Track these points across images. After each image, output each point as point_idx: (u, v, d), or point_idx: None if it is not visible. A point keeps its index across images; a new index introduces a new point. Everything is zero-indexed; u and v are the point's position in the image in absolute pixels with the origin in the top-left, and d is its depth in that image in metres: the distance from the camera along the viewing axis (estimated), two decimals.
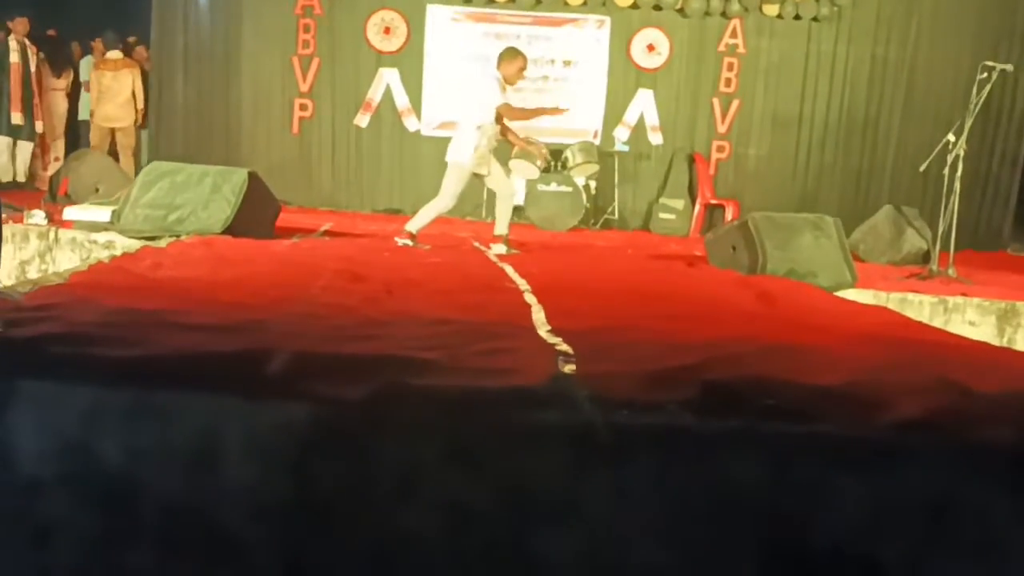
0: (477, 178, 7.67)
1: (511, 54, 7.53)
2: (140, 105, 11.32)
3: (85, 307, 3.51)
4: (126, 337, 3.07)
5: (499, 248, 7.62)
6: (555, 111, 7.88)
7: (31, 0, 10.86)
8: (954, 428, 2.88)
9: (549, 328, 3.97)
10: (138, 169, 10.78)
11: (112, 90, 11.11)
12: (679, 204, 11.66)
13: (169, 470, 2.59)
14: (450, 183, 7.55)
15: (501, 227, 7.72)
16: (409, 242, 7.55)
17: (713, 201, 11.56)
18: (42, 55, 10.90)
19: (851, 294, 6.78)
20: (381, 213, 11.47)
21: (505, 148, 10.95)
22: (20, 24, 10.58)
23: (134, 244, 6.63)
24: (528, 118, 7.87)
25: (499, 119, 7.50)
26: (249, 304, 4.00)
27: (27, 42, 10.65)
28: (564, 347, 3.54)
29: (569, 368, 3.18)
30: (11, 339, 2.96)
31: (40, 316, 3.29)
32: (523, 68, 7.50)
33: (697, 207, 11.61)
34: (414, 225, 7.65)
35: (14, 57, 10.52)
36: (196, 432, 2.70)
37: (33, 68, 10.67)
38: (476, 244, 8.18)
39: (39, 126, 10.70)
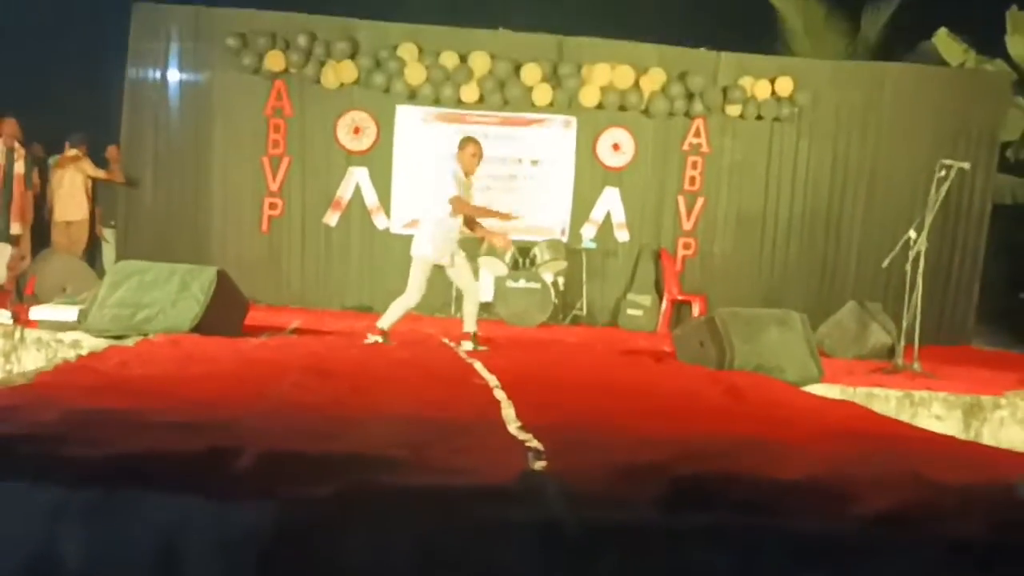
0: (439, 270, 7.72)
1: (463, 142, 7.66)
2: (91, 201, 11.35)
3: (50, 407, 3.48)
4: (91, 437, 3.04)
5: (467, 345, 7.64)
6: (506, 216, 7.91)
7: (6, 101, 10.91)
8: (924, 522, 2.89)
9: (519, 424, 3.97)
10: (93, 266, 10.77)
11: (66, 185, 11.16)
12: (646, 300, 11.74)
13: (132, 572, 2.54)
14: (414, 276, 7.59)
15: (469, 325, 7.74)
16: (380, 339, 7.55)
17: (680, 297, 11.65)
18: (29, 157, 10.89)
19: (818, 389, 6.81)
20: (351, 310, 11.46)
21: (474, 244, 11.09)
22: (8, 126, 10.61)
23: (101, 343, 6.58)
24: (477, 215, 7.83)
25: (457, 212, 7.56)
26: (215, 402, 3.98)
27: (16, 144, 10.67)
28: (534, 443, 3.54)
29: (539, 464, 3.18)
30: None
31: (4, 417, 3.26)
32: (475, 154, 7.59)
33: (664, 303, 11.70)
34: (384, 322, 7.66)
35: None
36: (160, 533, 2.66)
37: (20, 171, 10.66)
38: (444, 340, 8.18)
39: (15, 227, 10.66)
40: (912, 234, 7.94)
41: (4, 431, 3.03)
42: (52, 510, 2.67)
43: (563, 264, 11.32)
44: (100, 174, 11.48)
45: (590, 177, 11.93)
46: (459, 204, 7.48)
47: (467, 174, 7.63)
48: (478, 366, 6.22)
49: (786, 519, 2.80)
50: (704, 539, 2.72)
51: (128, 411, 3.50)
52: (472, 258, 11.17)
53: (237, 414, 3.67)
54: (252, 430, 3.38)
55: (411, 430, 3.69)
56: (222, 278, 7.17)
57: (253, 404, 3.99)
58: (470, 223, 7.84)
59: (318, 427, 3.61)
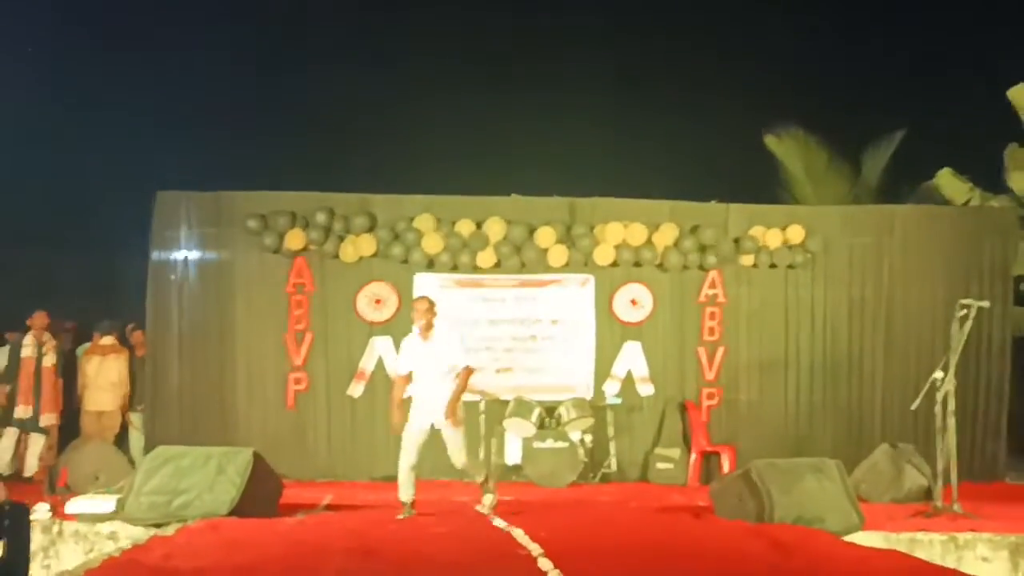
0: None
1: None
2: (126, 390, 11.45)
3: None
4: None
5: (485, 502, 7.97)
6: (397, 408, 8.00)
7: (34, 291, 11.19)
8: None
9: None
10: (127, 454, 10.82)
11: (99, 375, 11.27)
12: (675, 453, 11.66)
13: None
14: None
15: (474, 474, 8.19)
16: (409, 513, 7.63)
17: (709, 448, 11.59)
18: (58, 349, 11.06)
19: (860, 537, 6.74)
20: (380, 480, 11.40)
21: (500, 409, 11.14)
22: (39, 319, 10.85)
23: (139, 532, 6.59)
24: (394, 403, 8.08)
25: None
26: None
27: (47, 336, 10.86)
28: None
29: None
30: None
31: None
32: (418, 309, 7.93)
33: (693, 455, 11.62)
34: (402, 494, 7.79)
35: (27, 352, 10.72)
36: None
37: (50, 363, 10.82)
38: (478, 508, 8.14)
39: (46, 418, 10.75)
40: (938, 375, 7.96)
41: None
42: None
43: (590, 421, 11.31)
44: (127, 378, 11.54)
45: (610, 333, 12.00)
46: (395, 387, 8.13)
47: (422, 333, 7.91)
48: (517, 534, 6.20)
49: None
50: None
51: None
52: (499, 420, 11.25)
53: None
54: None
55: None
56: (257, 460, 7.22)
57: None
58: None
59: None
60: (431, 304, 7.98)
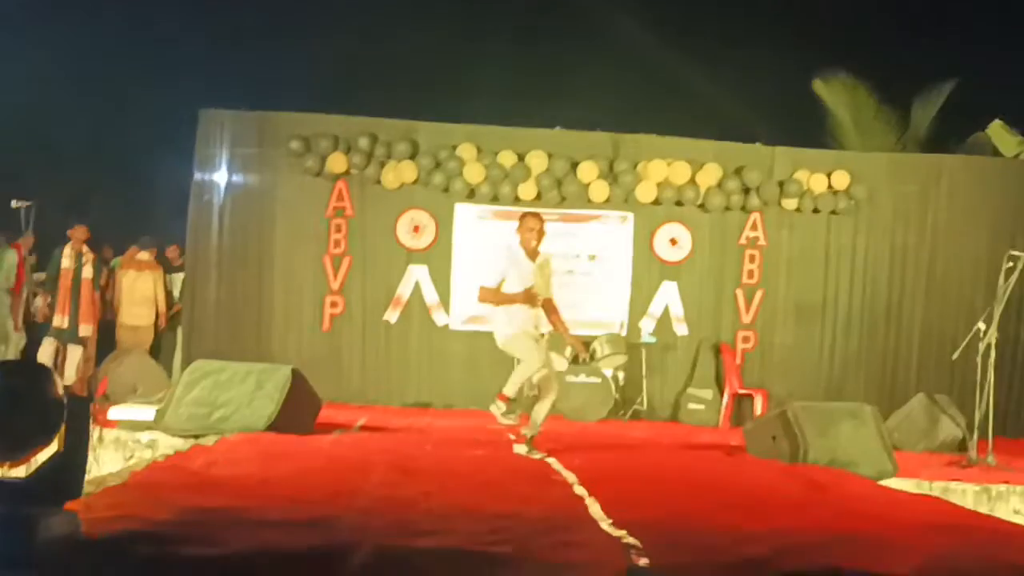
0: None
1: (520, 218, 7.39)
2: (162, 308, 11.56)
3: (156, 505, 3.55)
4: (203, 534, 3.10)
5: (521, 448, 7.09)
6: (528, 295, 7.06)
7: (76, 207, 11.26)
8: None
9: (610, 521, 3.97)
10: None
11: (134, 290, 11.39)
12: (708, 394, 11.69)
13: None
14: (523, 352, 7.08)
15: (531, 427, 7.17)
16: (524, 448, 7.05)
17: (741, 391, 11.59)
18: (96, 261, 11.13)
19: (893, 483, 6.73)
20: (411, 407, 11.51)
21: None
22: (79, 231, 10.90)
23: (177, 442, 6.68)
24: (500, 301, 7.14)
25: (532, 301, 7.05)
26: (311, 500, 4.03)
27: (85, 248, 10.93)
28: (630, 539, 3.55)
29: (643, 561, 3.19)
30: (93, 541, 2.98)
31: (114, 515, 3.33)
32: (532, 228, 7.17)
33: (726, 397, 11.64)
34: (532, 425, 7.16)
35: (66, 263, 10.80)
36: None
37: (88, 275, 10.89)
38: (512, 437, 8.17)
39: (84, 329, 10.86)
40: (981, 325, 7.90)
41: (119, 528, 3.10)
42: None
43: (623, 358, 11.33)
44: (163, 294, 11.63)
45: (648, 271, 11.98)
46: (482, 292, 7.17)
47: (528, 254, 7.20)
48: (553, 462, 6.24)
49: None
50: None
51: (232, 509, 3.56)
52: None
53: (336, 511, 3.72)
54: (355, 527, 3.42)
55: (507, 525, 3.71)
56: (296, 377, 7.28)
57: (348, 501, 4.03)
58: (550, 318, 7.39)
59: (416, 522, 3.65)
60: (543, 223, 7.33)
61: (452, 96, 14.01)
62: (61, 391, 2.96)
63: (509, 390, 6.96)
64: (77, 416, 2.95)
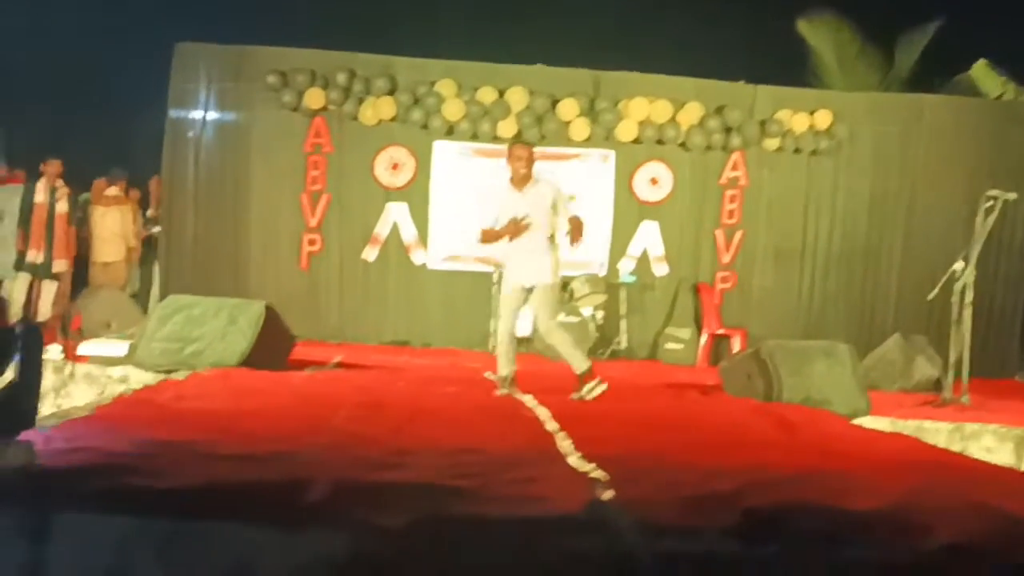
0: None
1: (508, 146, 7.10)
2: (132, 243, 11.44)
3: (115, 438, 3.50)
4: (159, 468, 3.06)
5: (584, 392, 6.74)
6: (514, 225, 6.80)
7: (49, 141, 11.08)
8: (995, 552, 2.86)
9: (579, 455, 3.95)
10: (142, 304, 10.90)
11: (102, 226, 11.26)
12: (686, 334, 11.68)
13: None
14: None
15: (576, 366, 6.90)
16: (509, 389, 6.85)
17: (720, 331, 11.59)
18: (71, 196, 10.98)
19: (867, 421, 6.75)
20: (388, 345, 11.48)
21: None
22: (52, 166, 10.74)
23: (149, 377, 6.63)
24: (495, 239, 6.93)
25: (519, 230, 6.78)
26: (275, 434, 4.00)
27: (60, 183, 10.77)
28: (597, 473, 3.52)
29: (607, 494, 3.16)
30: (47, 471, 2.94)
31: (72, 447, 3.29)
32: (519, 157, 6.85)
33: (704, 337, 11.64)
34: (501, 368, 6.97)
35: (39, 197, 10.64)
36: (233, 563, 2.67)
37: (63, 210, 10.74)
38: (487, 375, 8.15)
39: (58, 265, 10.73)
40: (958, 265, 7.87)
41: (76, 461, 3.05)
42: (125, 541, 2.68)
43: (602, 298, 11.29)
44: (136, 231, 11.51)
45: (627, 211, 11.90)
46: (484, 235, 6.94)
47: (518, 182, 6.93)
48: (527, 399, 6.22)
49: (861, 549, 2.77)
50: (780, 569, 2.70)
51: (193, 443, 3.52)
52: None
53: (298, 446, 3.68)
54: (316, 461, 3.39)
55: (472, 460, 3.69)
56: (270, 313, 7.22)
57: (312, 436, 4.00)
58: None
59: (380, 457, 3.61)
60: (531, 152, 6.99)
61: (429, 31, 13.83)
62: (13, 321, 2.90)
63: (580, 366, 6.86)
64: (30, 346, 2.89)
